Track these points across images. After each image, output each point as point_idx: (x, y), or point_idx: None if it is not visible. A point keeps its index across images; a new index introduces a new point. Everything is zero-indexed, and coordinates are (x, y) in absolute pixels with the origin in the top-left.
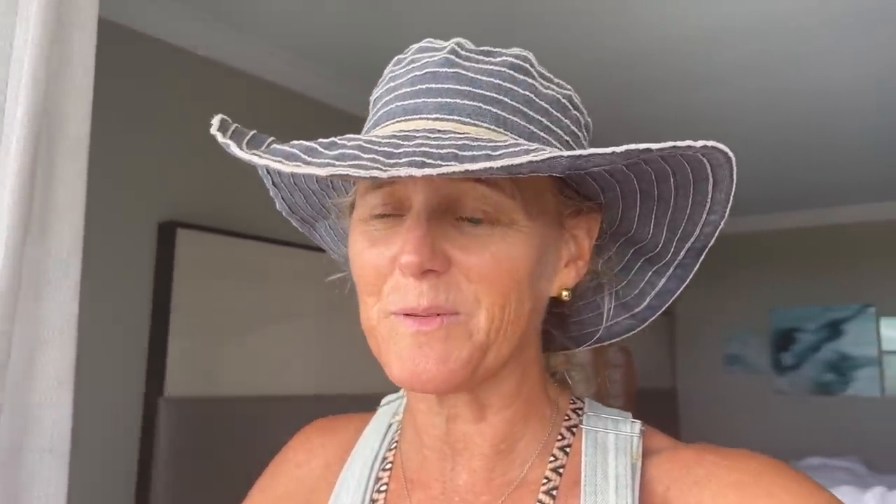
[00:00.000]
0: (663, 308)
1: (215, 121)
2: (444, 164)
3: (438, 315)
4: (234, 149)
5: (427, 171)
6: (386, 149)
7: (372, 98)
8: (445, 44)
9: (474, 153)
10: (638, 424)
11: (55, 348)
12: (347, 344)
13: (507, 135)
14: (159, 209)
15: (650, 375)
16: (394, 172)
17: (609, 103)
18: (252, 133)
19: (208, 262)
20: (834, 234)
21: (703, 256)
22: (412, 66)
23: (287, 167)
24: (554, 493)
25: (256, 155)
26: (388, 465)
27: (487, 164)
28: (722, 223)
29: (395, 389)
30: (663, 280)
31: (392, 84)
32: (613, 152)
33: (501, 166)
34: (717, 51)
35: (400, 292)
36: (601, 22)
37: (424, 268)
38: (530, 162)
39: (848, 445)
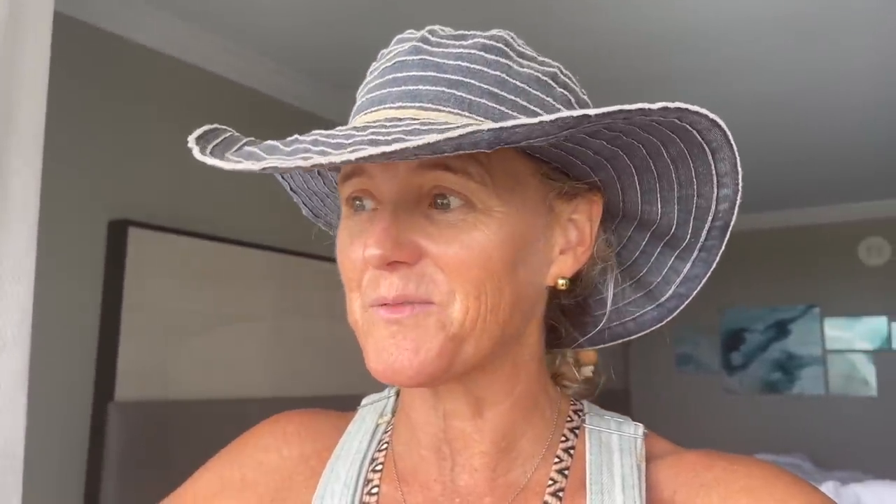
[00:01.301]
0: (692, 296)
1: (199, 130)
2: (366, 148)
3: (410, 304)
4: (196, 153)
5: (346, 156)
6: (339, 140)
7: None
8: (418, 33)
9: (421, 136)
10: (641, 427)
11: (9, 351)
12: (304, 345)
13: (471, 118)
14: (110, 207)
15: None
16: (316, 160)
17: None
18: (241, 143)
19: (161, 262)
20: (781, 236)
21: (727, 236)
22: (387, 56)
23: (225, 164)
24: (560, 494)
25: (209, 156)
26: (379, 467)
27: (402, 146)
28: (738, 199)
29: (356, 391)
30: (688, 265)
31: (368, 78)
32: (541, 122)
33: (417, 145)
34: (673, 55)
35: (373, 284)
36: (560, 22)
37: (389, 259)
38: (448, 139)
39: (795, 442)
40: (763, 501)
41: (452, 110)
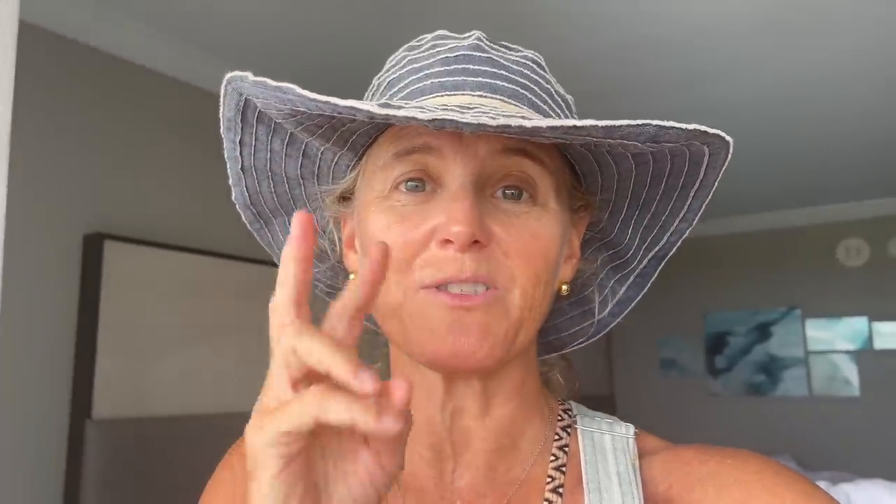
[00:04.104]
0: (622, 315)
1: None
2: (528, 123)
3: (476, 293)
4: (329, 99)
5: (536, 122)
6: (452, 112)
7: (383, 80)
8: (466, 34)
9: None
10: (631, 427)
11: None
12: None
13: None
14: (85, 220)
15: (589, 382)
16: (503, 122)
17: None
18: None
19: (138, 276)
20: (761, 239)
21: (662, 264)
22: (437, 49)
23: (380, 111)
24: (560, 490)
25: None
26: None
27: (576, 123)
28: (687, 232)
29: None
30: (624, 288)
31: (416, 65)
32: (686, 128)
33: (605, 126)
34: (650, 61)
35: (436, 265)
36: (538, 31)
37: (474, 238)
38: (628, 124)
39: (780, 444)
40: (756, 493)
41: (527, 108)
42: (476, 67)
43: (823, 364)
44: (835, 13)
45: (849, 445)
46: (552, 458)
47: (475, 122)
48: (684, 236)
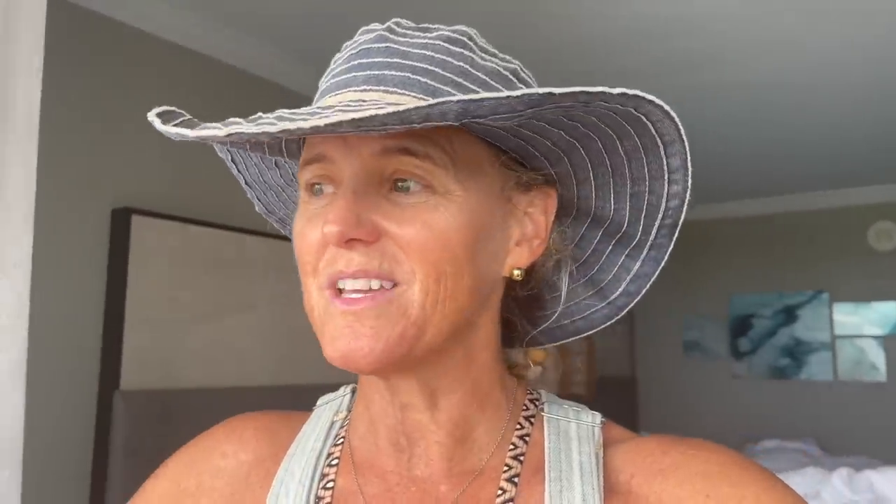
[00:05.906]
0: (640, 294)
1: (158, 109)
2: (336, 115)
3: (371, 290)
4: (158, 125)
5: (314, 122)
6: (304, 115)
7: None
8: (385, 24)
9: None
10: (598, 416)
11: (6, 339)
12: (308, 333)
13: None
14: (113, 195)
15: (610, 363)
16: (282, 126)
17: None
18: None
19: (165, 250)
20: (789, 221)
21: (675, 235)
22: (350, 45)
23: (191, 132)
24: (515, 479)
25: (172, 127)
26: (335, 462)
27: (372, 113)
28: (687, 196)
29: (352, 377)
30: (637, 264)
31: (332, 66)
32: (509, 96)
33: (387, 113)
34: (675, 40)
35: (331, 262)
36: (539, 12)
37: (347, 236)
38: (417, 108)
39: (802, 428)
40: (719, 486)
41: (417, 95)
42: (369, 60)
43: (850, 349)
44: None
45: (873, 431)
46: (511, 447)
47: (274, 128)
48: (686, 201)
